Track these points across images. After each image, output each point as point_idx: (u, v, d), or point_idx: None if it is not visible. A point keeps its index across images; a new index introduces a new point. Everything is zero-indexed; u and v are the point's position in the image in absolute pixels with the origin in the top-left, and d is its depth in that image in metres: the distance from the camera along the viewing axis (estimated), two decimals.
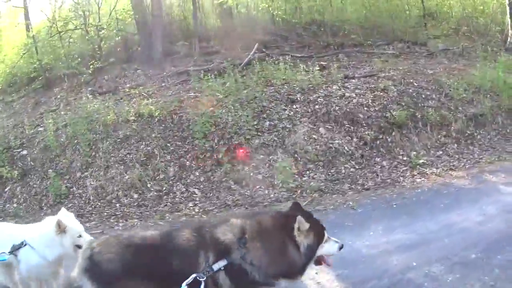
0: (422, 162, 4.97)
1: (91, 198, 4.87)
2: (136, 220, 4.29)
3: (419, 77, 6.80)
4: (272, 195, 4.52)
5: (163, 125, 5.57)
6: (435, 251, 2.83)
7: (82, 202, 4.86)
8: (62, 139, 5.62)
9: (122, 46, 8.48)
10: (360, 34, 9.22)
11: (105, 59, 7.93)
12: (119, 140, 5.42)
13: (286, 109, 5.69)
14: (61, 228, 2.46)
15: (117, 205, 4.72)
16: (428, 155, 5.24)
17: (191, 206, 4.49)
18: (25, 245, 2.53)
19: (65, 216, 2.59)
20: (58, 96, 7.15)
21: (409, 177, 4.67)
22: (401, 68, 7.22)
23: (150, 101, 6.11)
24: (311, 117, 5.57)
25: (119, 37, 8.33)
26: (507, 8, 9.20)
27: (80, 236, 2.53)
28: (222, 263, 1.74)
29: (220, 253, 1.77)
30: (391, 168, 4.96)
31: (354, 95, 5.99)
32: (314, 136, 5.30)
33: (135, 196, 4.82)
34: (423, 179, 4.59)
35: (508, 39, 8.92)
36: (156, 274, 1.82)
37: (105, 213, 4.57)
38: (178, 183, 4.91)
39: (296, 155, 5.05)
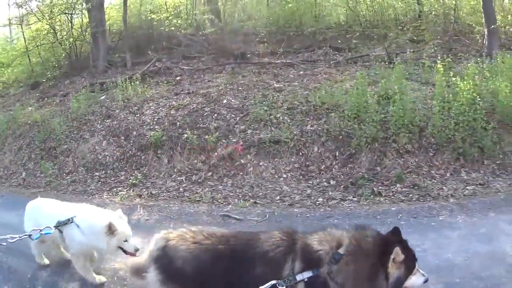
0: (135, 183, 5.70)
1: None
2: None
3: (248, 92, 6.93)
4: None
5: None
6: None
7: None
8: None
9: (84, 57, 11.41)
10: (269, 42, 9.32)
11: (65, 69, 11.02)
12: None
13: (101, 123, 7.34)
14: (111, 231, 2.64)
15: None
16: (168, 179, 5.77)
17: None
18: (71, 222, 2.78)
19: (119, 218, 2.78)
20: (11, 99, 10.61)
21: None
22: (242, 82, 7.39)
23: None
24: (106, 131, 7.03)
25: (83, 49, 11.26)
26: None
27: (126, 240, 2.70)
28: (307, 274, 1.71)
29: (308, 264, 1.74)
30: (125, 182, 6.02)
31: (149, 112, 6.99)
32: (97, 146, 6.84)
33: None
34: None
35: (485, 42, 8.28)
36: (233, 283, 1.81)
37: None
38: None
39: (75, 160, 6.80)
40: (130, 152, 6.45)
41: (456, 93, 5.72)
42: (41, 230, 2.68)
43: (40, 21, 10.60)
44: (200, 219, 4.16)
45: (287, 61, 8.83)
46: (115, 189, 5.72)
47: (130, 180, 5.83)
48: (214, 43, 10.03)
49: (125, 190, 5.62)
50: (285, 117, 5.88)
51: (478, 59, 6.88)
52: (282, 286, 1.66)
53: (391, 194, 4.47)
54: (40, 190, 6.19)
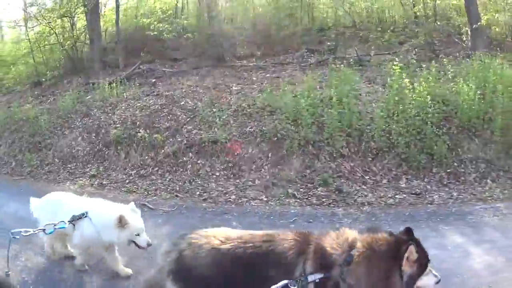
0: (95, 174, 6.46)
1: None
2: None
3: (206, 94, 7.47)
4: None
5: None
6: None
7: None
8: None
9: (82, 59, 12.43)
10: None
11: (65, 69, 12.11)
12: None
13: (80, 121, 8.20)
14: (121, 223, 2.65)
15: None
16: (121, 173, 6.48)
17: None
18: (85, 216, 2.80)
19: (131, 211, 2.79)
20: (16, 96, 11.80)
21: None
22: (205, 84, 7.94)
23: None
24: (82, 128, 7.86)
25: (82, 50, 12.30)
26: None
27: (138, 234, 2.71)
28: (318, 276, 1.73)
29: (321, 265, 1.76)
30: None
31: (119, 112, 7.72)
32: (73, 142, 7.68)
33: None
34: None
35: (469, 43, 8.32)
36: (250, 285, 1.84)
37: None
38: None
39: (54, 153, 7.69)
40: (97, 147, 7.23)
41: (406, 96, 5.74)
42: (55, 225, 2.72)
43: (41, 24, 11.68)
44: None
45: (260, 64, 9.26)
46: (78, 178, 6.51)
47: (92, 172, 6.60)
48: (197, 46, 10.63)
49: (85, 180, 6.40)
50: (230, 119, 6.37)
51: (464, 60, 6.89)
52: (294, 286, 1.69)
53: (306, 197, 4.79)
54: (21, 178, 7.16)
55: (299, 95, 6.04)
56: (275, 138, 5.68)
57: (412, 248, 1.70)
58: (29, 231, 2.48)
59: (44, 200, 3.29)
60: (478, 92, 5.66)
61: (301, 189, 4.89)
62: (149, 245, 2.74)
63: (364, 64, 8.56)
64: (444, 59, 6.86)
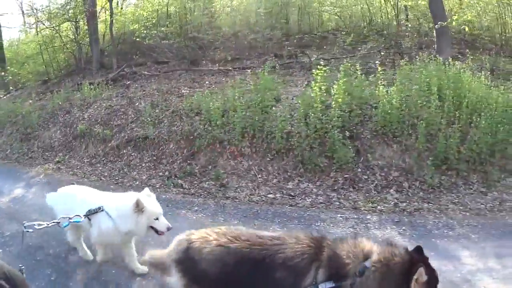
0: (60, 161, 8.00)
1: None
2: None
3: (158, 97, 8.69)
4: None
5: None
6: None
7: None
8: None
9: (85, 60, 14.27)
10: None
11: (69, 69, 14.00)
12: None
13: (62, 117, 9.83)
14: (138, 208, 2.65)
15: None
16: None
17: None
18: (101, 210, 2.82)
19: (146, 196, 2.80)
20: (25, 93, 13.84)
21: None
22: (162, 88, 9.20)
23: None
24: (62, 123, 9.48)
25: (84, 52, 14.14)
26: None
27: (157, 219, 2.71)
28: (329, 285, 1.74)
29: (333, 274, 1.77)
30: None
31: (90, 110, 9.23)
32: (53, 134, 9.32)
33: None
34: None
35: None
36: (255, 285, 1.87)
37: None
38: None
39: (38, 143, 9.38)
40: (68, 139, 8.81)
41: (316, 101, 5.89)
42: (70, 218, 2.74)
43: (47, 28, 13.63)
44: (52, 182, 6.31)
45: (224, 68, 10.35)
46: (47, 164, 8.10)
47: (58, 158, 8.16)
48: (179, 51, 11.93)
49: (51, 165, 7.96)
50: (164, 119, 7.59)
51: (430, 62, 6.51)
52: None
53: (190, 188, 5.78)
54: (10, 162, 8.94)
55: (214, 98, 7.06)
56: (191, 137, 6.80)
57: (421, 270, 1.72)
58: (43, 224, 2.49)
59: (59, 193, 3.37)
60: (403, 95, 5.67)
61: (194, 182, 5.93)
62: (169, 229, 2.71)
63: (314, 68, 9.27)
64: (403, 62, 6.91)
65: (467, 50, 7.62)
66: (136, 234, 2.82)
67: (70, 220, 2.72)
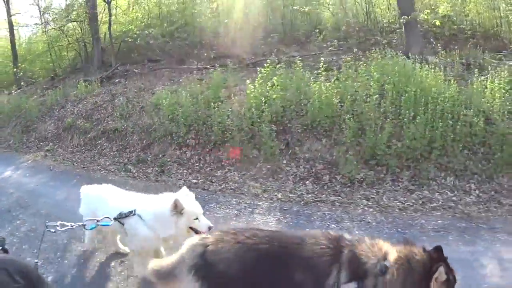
0: (49, 149, 9.24)
1: None
2: None
3: (135, 93, 9.76)
4: None
5: None
6: None
7: None
8: None
9: (89, 58, 15.62)
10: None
11: (74, 66, 15.40)
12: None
13: (58, 111, 11.12)
14: (177, 209, 2.50)
15: None
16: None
17: None
18: (133, 214, 2.63)
19: (185, 196, 2.63)
20: (34, 88, 15.36)
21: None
22: (142, 85, 10.22)
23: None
24: (57, 116, 10.76)
25: (89, 51, 15.51)
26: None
27: (196, 218, 2.56)
28: (352, 286, 1.76)
29: (355, 275, 1.79)
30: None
31: (80, 105, 10.42)
32: (48, 127, 10.61)
33: None
34: None
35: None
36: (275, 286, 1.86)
37: None
38: None
39: (35, 134, 10.72)
40: (59, 131, 10.07)
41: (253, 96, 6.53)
42: (98, 221, 2.63)
43: (53, 28, 15.10)
44: (36, 166, 7.53)
45: (203, 66, 11.23)
46: (38, 152, 9.38)
47: (47, 148, 9.43)
48: (171, 50, 12.91)
49: (41, 153, 9.23)
50: (134, 114, 8.61)
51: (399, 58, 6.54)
52: None
53: (137, 173, 6.74)
54: (9, 150, 10.35)
55: (172, 95, 7.97)
56: (150, 130, 7.77)
57: (442, 270, 1.75)
58: (67, 226, 2.40)
59: (84, 193, 3.25)
60: (341, 91, 5.97)
61: (144, 168, 6.90)
62: (210, 228, 2.58)
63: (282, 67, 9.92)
64: (364, 59, 7.02)
65: (438, 45, 7.70)
66: (176, 237, 2.61)
67: (98, 223, 2.63)
